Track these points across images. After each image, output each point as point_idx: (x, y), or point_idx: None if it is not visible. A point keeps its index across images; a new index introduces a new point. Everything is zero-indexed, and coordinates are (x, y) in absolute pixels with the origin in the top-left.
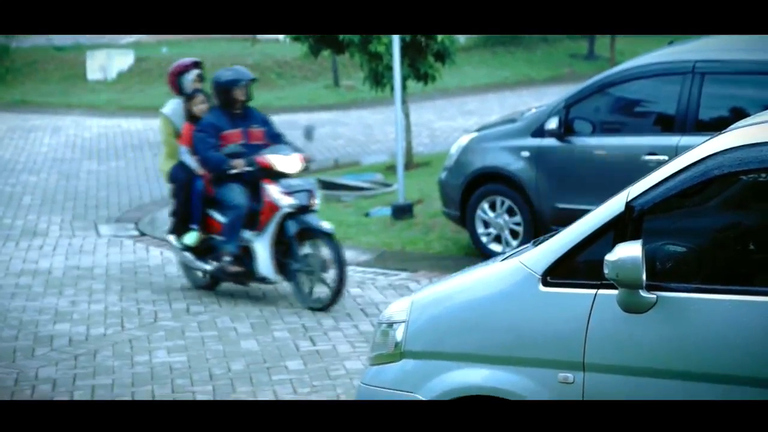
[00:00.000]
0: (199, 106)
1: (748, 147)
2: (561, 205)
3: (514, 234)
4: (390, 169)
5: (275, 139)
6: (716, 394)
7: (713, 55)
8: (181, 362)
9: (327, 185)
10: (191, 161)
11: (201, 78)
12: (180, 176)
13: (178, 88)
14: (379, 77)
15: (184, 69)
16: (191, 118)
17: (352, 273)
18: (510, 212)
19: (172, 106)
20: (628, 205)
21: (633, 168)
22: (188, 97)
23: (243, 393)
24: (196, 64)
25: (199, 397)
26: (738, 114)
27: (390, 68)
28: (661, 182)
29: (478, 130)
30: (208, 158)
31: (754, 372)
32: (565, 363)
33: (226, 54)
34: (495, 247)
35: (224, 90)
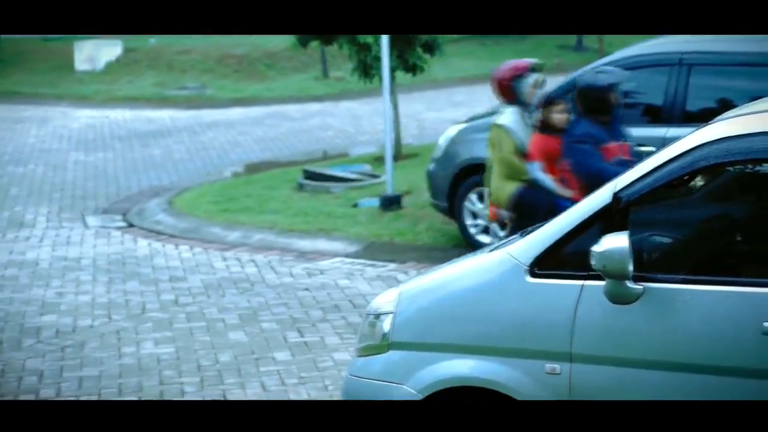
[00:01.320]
0: (561, 115)
1: (735, 138)
2: None
3: (503, 225)
4: (378, 160)
5: (635, 155)
6: (703, 385)
7: (700, 46)
8: (168, 353)
9: (315, 176)
10: (548, 180)
11: (540, 83)
12: (539, 199)
13: (512, 96)
14: (367, 68)
15: (521, 73)
16: (546, 128)
17: (340, 264)
18: None
19: (512, 117)
20: (616, 196)
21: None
22: (546, 104)
23: (231, 384)
24: (534, 68)
25: (187, 389)
26: (724, 105)
27: (378, 59)
28: (648, 173)
29: (467, 121)
30: (610, 173)
31: (740, 362)
32: (553, 354)
33: (214, 44)
34: (483, 238)
35: (599, 95)
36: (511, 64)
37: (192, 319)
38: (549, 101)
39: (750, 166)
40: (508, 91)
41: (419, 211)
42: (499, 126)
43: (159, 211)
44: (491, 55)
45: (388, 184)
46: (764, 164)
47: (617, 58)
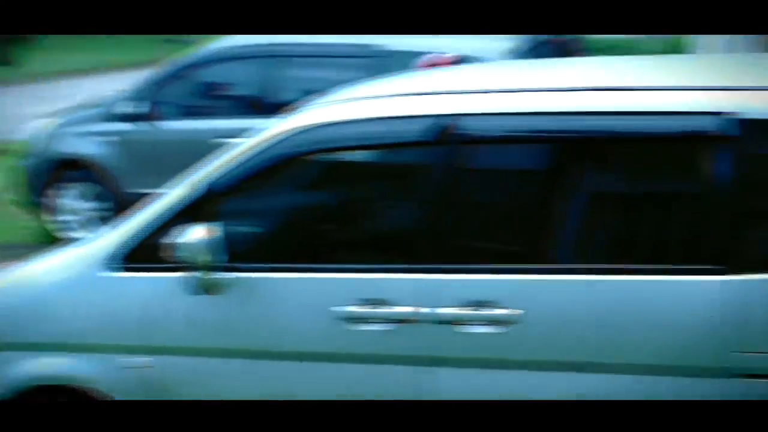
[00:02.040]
0: None
1: (316, 128)
2: (146, 190)
3: (99, 220)
4: None
5: None
6: (287, 372)
7: (285, 39)
8: None
9: None
10: None
11: None
12: None
13: None
14: None
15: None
16: None
17: None
18: (94, 198)
19: None
20: (203, 186)
21: (213, 151)
22: None
23: None
24: (458, 61)
25: None
26: (313, 94)
27: None
28: (236, 164)
29: (61, 115)
30: None
31: (318, 347)
32: (138, 347)
33: None
34: (78, 234)
35: None
36: (432, 58)
37: None
38: None
39: (330, 154)
40: None
41: (9, 208)
42: None
43: None
44: (94, 48)
45: None
46: (346, 152)
47: (210, 50)
